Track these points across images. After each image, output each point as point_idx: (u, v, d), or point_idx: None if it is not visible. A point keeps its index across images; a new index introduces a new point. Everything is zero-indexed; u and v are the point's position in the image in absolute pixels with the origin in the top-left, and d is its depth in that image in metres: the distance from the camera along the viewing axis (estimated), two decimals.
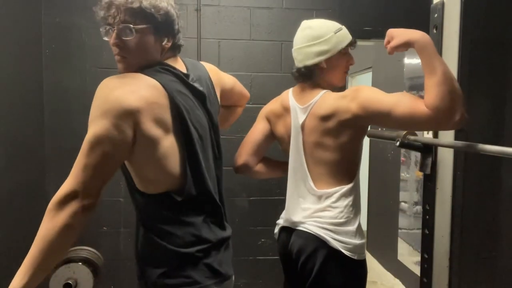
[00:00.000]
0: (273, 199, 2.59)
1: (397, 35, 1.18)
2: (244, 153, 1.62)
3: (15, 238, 2.09)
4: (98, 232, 2.47)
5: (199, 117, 1.16)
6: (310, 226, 1.38)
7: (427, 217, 1.48)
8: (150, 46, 1.09)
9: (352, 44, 1.48)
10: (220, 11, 2.54)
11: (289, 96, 1.51)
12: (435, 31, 1.42)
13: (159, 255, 1.09)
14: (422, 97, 1.16)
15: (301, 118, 1.43)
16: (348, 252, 1.34)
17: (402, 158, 3.26)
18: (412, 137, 1.46)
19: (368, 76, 4.09)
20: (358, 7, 2.59)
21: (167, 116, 1.05)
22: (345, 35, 1.46)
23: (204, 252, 1.11)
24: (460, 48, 1.33)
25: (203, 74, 1.26)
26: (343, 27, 1.47)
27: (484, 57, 1.39)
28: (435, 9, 1.42)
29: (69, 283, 2.18)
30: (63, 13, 2.40)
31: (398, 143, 1.47)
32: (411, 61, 3.03)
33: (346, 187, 1.39)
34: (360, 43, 2.68)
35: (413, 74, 3.02)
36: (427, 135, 1.52)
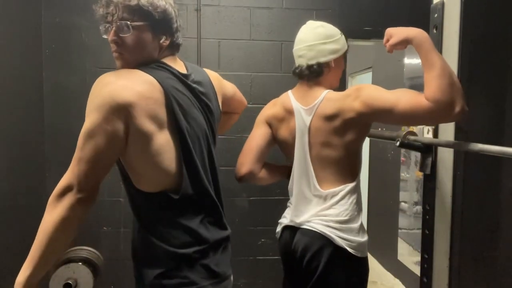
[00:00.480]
0: (273, 199, 2.59)
1: (395, 33, 1.23)
2: (248, 161, 1.54)
3: (15, 238, 2.09)
4: (98, 232, 2.47)
5: (196, 115, 1.16)
6: (316, 225, 1.39)
7: (427, 217, 1.48)
8: (147, 43, 1.10)
9: (348, 49, 1.57)
10: (220, 11, 2.54)
11: (290, 98, 1.51)
12: (435, 31, 1.42)
13: (156, 255, 1.09)
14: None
15: (307, 119, 1.43)
16: (352, 250, 1.35)
17: (402, 158, 3.26)
18: (412, 137, 1.46)
19: (368, 76, 4.09)
20: (358, 7, 2.59)
21: (162, 112, 1.06)
22: (345, 39, 1.53)
23: (201, 252, 1.11)
24: (460, 48, 1.33)
25: (206, 79, 1.27)
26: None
27: (484, 57, 1.39)
28: (435, 9, 1.42)
29: (69, 283, 2.18)
30: (63, 13, 2.40)
31: (398, 143, 1.47)
32: (411, 61, 3.03)
33: (350, 185, 1.41)
34: (360, 43, 2.71)
35: (413, 74, 3.02)
36: (427, 135, 1.52)
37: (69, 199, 0.98)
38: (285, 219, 1.54)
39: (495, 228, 1.44)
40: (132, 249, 1.17)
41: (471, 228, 1.41)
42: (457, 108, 1.12)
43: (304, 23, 1.55)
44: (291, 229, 1.48)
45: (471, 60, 1.34)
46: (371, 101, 1.29)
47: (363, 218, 1.48)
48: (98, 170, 1.01)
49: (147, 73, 1.06)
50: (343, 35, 1.50)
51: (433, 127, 1.48)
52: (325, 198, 1.42)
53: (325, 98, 1.41)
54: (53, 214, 0.98)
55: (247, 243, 2.60)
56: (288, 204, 1.59)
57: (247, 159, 1.55)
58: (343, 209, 1.39)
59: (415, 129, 1.61)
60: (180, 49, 1.23)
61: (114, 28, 1.07)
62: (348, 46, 1.53)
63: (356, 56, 3.85)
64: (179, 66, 1.18)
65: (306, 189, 1.46)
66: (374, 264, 3.76)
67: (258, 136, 1.59)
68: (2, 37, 2.00)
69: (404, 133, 1.49)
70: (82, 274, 2.24)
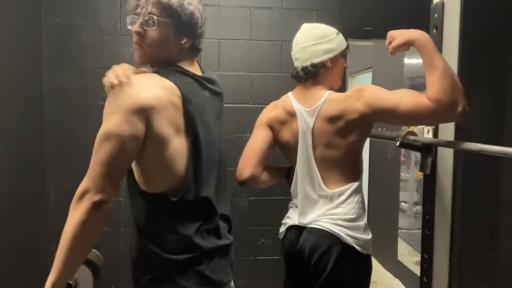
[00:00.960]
0: (273, 199, 2.58)
1: (398, 35, 1.25)
2: (250, 165, 1.52)
3: (15, 238, 2.09)
4: None
5: (211, 120, 1.16)
6: (324, 223, 1.40)
7: (427, 217, 1.48)
8: (169, 41, 1.11)
9: (348, 48, 1.56)
10: (220, 11, 2.54)
11: (291, 100, 1.51)
12: (435, 31, 1.42)
13: (150, 260, 1.09)
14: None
15: (310, 121, 1.44)
16: (359, 248, 1.37)
17: (402, 158, 3.26)
18: (412, 137, 1.47)
19: (368, 76, 4.09)
20: (358, 7, 2.59)
21: (179, 117, 1.06)
22: (343, 38, 1.52)
23: (195, 259, 1.09)
24: (460, 48, 1.33)
25: (218, 79, 1.29)
26: (340, 31, 1.54)
27: (484, 57, 1.39)
28: (435, 9, 1.42)
29: (69, 283, 2.18)
30: (63, 13, 2.40)
31: (398, 143, 1.48)
32: (411, 61, 3.03)
33: (355, 184, 1.43)
34: (360, 43, 2.71)
35: (413, 74, 3.02)
36: (427, 135, 1.52)
37: (87, 202, 0.96)
38: (290, 220, 1.53)
39: (495, 228, 1.44)
40: (129, 250, 1.16)
41: (471, 228, 1.41)
42: (459, 109, 1.14)
43: (304, 23, 1.55)
44: (297, 229, 1.48)
45: (471, 60, 1.34)
46: (374, 102, 1.30)
47: None
48: (116, 172, 1.00)
49: (165, 77, 1.06)
50: (340, 35, 1.51)
51: (433, 127, 1.48)
52: (331, 198, 1.43)
53: (327, 99, 1.42)
54: (73, 218, 0.97)
55: (247, 243, 2.60)
56: (290, 205, 1.59)
57: (249, 163, 1.52)
58: (350, 207, 1.40)
59: (415, 129, 1.61)
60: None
61: (140, 20, 1.09)
62: (347, 45, 1.54)
63: (356, 56, 3.84)
64: (196, 69, 1.19)
65: (310, 190, 1.46)
66: (374, 264, 3.73)
67: (259, 138, 1.57)
68: (2, 37, 1.99)
69: (404, 133, 1.49)
70: (82, 274, 2.24)
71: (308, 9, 2.56)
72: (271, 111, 1.58)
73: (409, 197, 3.21)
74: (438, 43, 1.39)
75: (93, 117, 2.43)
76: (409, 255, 3.20)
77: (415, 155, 2.97)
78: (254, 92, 2.56)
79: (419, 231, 1.59)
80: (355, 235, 1.38)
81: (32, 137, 2.32)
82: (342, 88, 1.58)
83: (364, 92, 1.34)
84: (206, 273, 1.10)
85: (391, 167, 3.46)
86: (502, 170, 1.43)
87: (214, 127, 1.17)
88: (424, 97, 1.18)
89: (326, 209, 1.42)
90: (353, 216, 1.40)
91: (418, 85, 2.86)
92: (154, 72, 1.11)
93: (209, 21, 2.54)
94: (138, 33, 1.10)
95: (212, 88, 1.19)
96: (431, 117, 1.20)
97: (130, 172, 1.11)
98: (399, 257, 3.33)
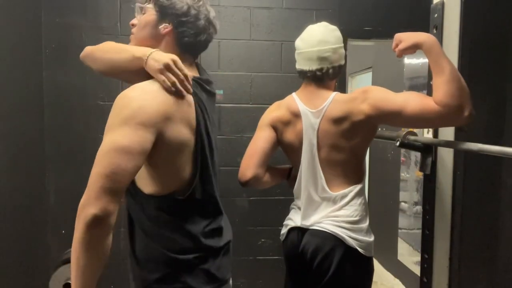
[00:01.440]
0: (273, 199, 2.58)
1: (405, 38, 1.25)
2: (253, 166, 1.49)
3: (15, 237, 2.09)
4: None
5: (212, 119, 1.17)
6: (326, 225, 1.39)
7: (427, 217, 1.48)
8: (149, 23, 1.13)
9: None
10: (220, 11, 2.54)
11: (296, 100, 1.49)
12: (435, 31, 1.42)
13: (156, 260, 1.08)
14: None
15: (315, 122, 1.43)
16: (362, 250, 1.37)
17: (402, 158, 3.26)
18: (412, 137, 1.46)
19: (368, 76, 4.08)
20: (358, 7, 2.59)
21: (193, 114, 1.06)
22: None
23: (202, 258, 1.10)
24: (460, 48, 1.33)
25: (213, 81, 1.28)
26: None
27: (484, 57, 1.39)
28: (435, 9, 1.42)
29: (69, 283, 2.18)
30: (63, 13, 2.40)
31: (398, 143, 1.47)
32: (411, 61, 3.03)
33: (358, 186, 1.43)
34: (360, 43, 2.71)
35: (413, 74, 3.02)
36: (427, 135, 1.52)
37: (86, 219, 0.90)
38: (291, 221, 1.52)
39: (495, 228, 1.44)
40: (130, 250, 1.15)
41: (471, 228, 1.41)
42: (466, 112, 1.14)
43: (304, 23, 1.54)
44: (299, 231, 1.47)
45: (471, 60, 1.34)
46: (380, 104, 1.30)
47: None
48: (120, 185, 0.94)
49: None
50: None
51: None
52: (334, 200, 1.42)
53: (333, 100, 1.41)
54: (76, 235, 0.92)
55: (247, 243, 2.60)
56: (292, 206, 1.58)
57: (252, 163, 1.49)
58: (353, 209, 1.40)
59: (415, 129, 1.61)
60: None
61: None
62: None
63: (356, 56, 3.84)
64: (194, 70, 1.18)
65: (313, 192, 1.46)
66: (374, 264, 3.75)
67: (262, 139, 1.53)
68: (2, 37, 1.99)
69: (404, 133, 1.49)
70: None
71: (308, 9, 2.56)
72: (275, 111, 1.56)
73: (409, 197, 3.21)
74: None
75: (93, 117, 2.43)
76: (409, 255, 3.20)
77: (415, 155, 2.97)
78: (254, 92, 2.56)
79: (419, 231, 1.59)
80: (357, 237, 1.37)
81: (32, 137, 2.32)
82: (342, 88, 1.58)
83: (370, 93, 1.33)
84: (212, 271, 1.11)
85: (391, 167, 3.46)
86: (502, 170, 1.42)
87: (213, 127, 1.17)
88: (431, 100, 1.18)
89: (329, 211, 1.41)
90: (356, 219, 1.39)
91: (418, 85, 2.86)
92: None
93: None
94: (132, 25, 1.16)
95: (209, 89, 1.18)
96: (438, 120, 1.20)
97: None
98: (399, 257, 3.33)
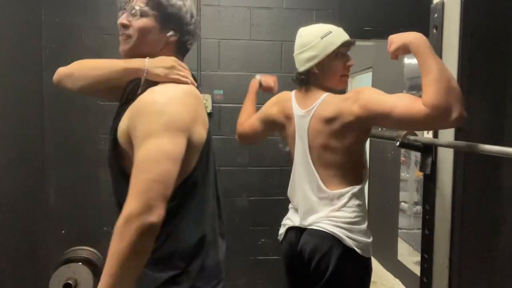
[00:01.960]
0: (273, 199, 2.58)
1: (395, 40, 1.23)
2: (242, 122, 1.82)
3: (15, 237, 2.09)
4: (98, 232, 2.47)
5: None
6: (325, 225, 1.39)
7: (427, 217, 1.48)
8: (152, 32, 1.10)
9: (345, 45, 1.47)
10: (220, 11, 2.54)
11: (292, 101, 1.52)
12: (435, 31, 1.42)
13: (166, 259, 1.05)
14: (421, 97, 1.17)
15: (306, 122, 1.44)
16: (360, 250, 1.36)
17: (402, 158, 3.26)
18: (412, 137, 1.46)
19: (368, 76, 4.09)
20: (358, 7, 2.59)
21: (206, 118, 1.08)
22: (333, 39, 1.44)
23: (210, 254, 1.10)
24: (460, 48, 1.33)
25: None
26: (334, 31, 1.46)
27: (484, 57, 1.39)
28: (435, 9, 1.42)
29: (69, 283, 2.18)
30: (63, 13, 2.40)
31: (398, 143, 1.47)
32: (411, 61, 3.03)
33: (357, 187, 1.41)
34: (360, 43, 2.71)
35: (413, 74, 3.02)
36: (427, 135, 1.52)
37: (140, 226, 0.88)
38: (289, 221, 1.53)
39: (495, 228, 1.44)
40: None
41: (471, 228, 1.41)
42: (454, 114, 1.09)
43: (304, 23, 1.54)
44: (297, 230, 1.47)
45: (471, 60, 1.34)
46: (369, 105, 1.27)
47: None
48: (169, 191, 0.94)
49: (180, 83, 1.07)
50: (328, 36, 1.44)
51: None
52: (331, 199, 1.41)
53: (323, 100, 1.41)
54: (123, 243, 0.89)
55: (247, 243, 2.60)
56: (290, 206, 1.59)
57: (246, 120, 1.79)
58: (351, 210, 1.40)
59: None
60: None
61: (126, 12, 1.09)
62: (344, 43, 1.46)
63: (356, 56, 3.84)
64: None
65: (310, 192, 1.45)
66: (374, 264, 3.73)
67: (262, 112, 1.71)
68: (2, 37, 1.99)
69: (404, 133, 1.48)
70: (82, 274, 2.23)
71: (308, 9, 2.56)
72: (272, 108, 1.64)
73: (409, 197, 3.21)
74: (438, 43, 1.39)
75: (93, 117, 2.43)
76: (409, 255, 3.20)
77: (415, 155, 2.97)
78: None
79: (419, 231, 1.59)
80: (356, 237, 1.37)
81: (32, 137, 2.32)
82: (342, 91, 1.57)
83: (361, 94, 1.31)
84: (217, 268, 1.12)
85: (391, 167, 3.46)
86: (502, 170, 1.42)
87: None
88: (420, 101, 1.15)
89: (327, 211, 1.41)
90: (354, 220, 1.39)
91: (418, 85, 2.86)
92: None
93: (209, 21, 2.54)
94: (123, 25, 1.10)
95: (198, 89, 1.20)
96: (426, 122, 1.15)
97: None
98: (399, 257, 3.34)
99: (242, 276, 2.60)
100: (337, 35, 1.46)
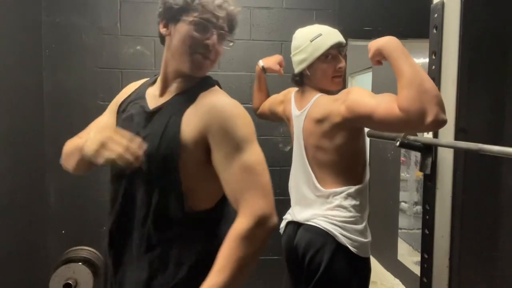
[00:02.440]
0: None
1: (371, 46, 1.25)
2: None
3: (15, 237, 2.09)
4: (98, 232, 2.47)
5: None
6: (320, 221, 1.40)
7: (427, 217, 1.48)
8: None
9: (336, 48, 1.45)
10: None
11: (292, 102, 1.58)
12: (435, 31, 1.42)
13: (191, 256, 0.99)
14: None
15: (301, 123, 1.48)
16: (354, 249, 1.37)
17: (402, 158, 3.26)
18: (412, 137, 1.46)
19: (368, 76, 4.08)
20: (358, 7, 2.59)
21: None
22: (322, 42, 1.44)
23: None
24: (460, 48, 1.32)
25: None
26: (325, 33, 1.45)
27: (484, 57, 1.39)
28: (435, 9, 1.42)
29: (69, 283, 2.18)
30: (63, 13, 2.40)
31: (398, 143, 1.47)
32: None
33: (354, 188, 1.42)
34: (360, 43, 2.71)
35: None
36: (427, 135, 1.52)
37: (270, 227, 0.92)
38: (289, 215, 1.57)
39: (495, 228, 1.44)
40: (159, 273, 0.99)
41: (471, 228, 1.41)
42: (429, 118, 1.06)
43: (304, 23, 1.56)
44: (295, 225, 1.50)
45: (471, 60, 1.34)
46: (354, 106, 1.27)
47: None
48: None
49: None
50: (317, 39, 1.43)
51: None
52: (327, 197, 1.42)
53: (315, 101, 1.44)
54: (254, 245, 0.89)
55: None
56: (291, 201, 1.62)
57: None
58: (347, 210, 1.40)
59: None
60: None
61: (215, 35, 1.03)
62: (334, 45, 1.44)
63: (356, 56, 3.84)
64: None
65: (306, 190, 1.47)
66: (374, 264, 3.75)
67: (272, 105, 1.82)
68: (2, 37, 1.99)
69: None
70: (82, 274, 2.23)
71: (308, 9, 2.56)
72: (279, 106, 1.75)
73: (409, 197, 3.21)
74: (438, 43, 1.39)
75: (93, 117, 2.42)
76: (409, 255, 3.20)
77: (415, 155, 2.97)
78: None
79: (419, 231, 1.59)
80: (350, 236, 1.37)
81: (32, 137, 2.32)
82: (343, 89, 1.57)
83: (349, 95, 1.31)
84: None
85: (391, 167, 3.46)
86: (502, 170, 1.42)
87: None
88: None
89: (323, 209, 1.42)
90: (349, 219, 1.39)
91: None
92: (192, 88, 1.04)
93: None
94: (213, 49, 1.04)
95: None
96: (401, 126, 1.14)
97: (180, 193, 0.98)
98: (399, 257, 3.33)
99: None
100: (327, 38, 1.44)
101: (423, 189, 1.54)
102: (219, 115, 0.95)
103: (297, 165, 1.52)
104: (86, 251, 2.36)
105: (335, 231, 1.37)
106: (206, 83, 1.06)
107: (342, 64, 1.48)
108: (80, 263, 2.26)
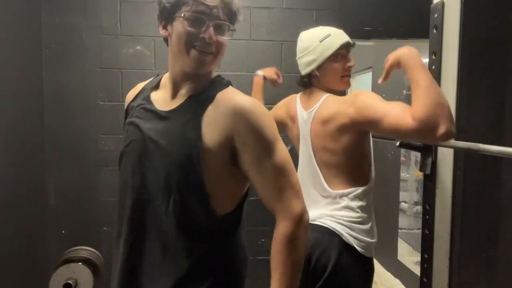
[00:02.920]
0: None
1: (390, 56, 1.28)
2: None
3: (15, 238, 2.09)
4: (98, 232, 2.47)
5: None
6: (326, 221, 1.41)
7: (427, 217, 1.48)
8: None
9: (345, 47, 1.48)
10: None
11: (297, 103, 1.57)
12: (435, 31, 1.42)
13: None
14: None
15: (308, 123, 1.47)
16: (360, 249, 1.38)
17: (402, 158, 3.26)
18: None
19: (368, 76, 4.08)
20: (358, 7, 2.59)
21: None
22: (332, 42, 1.45)
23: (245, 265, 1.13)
24: (460, 48, 1.33)
25: None
26: (333, 33, 1.47)
27: (484, 57, 1.39)
28: (435, 9, 1.42)
29: (69, 283, 2.18)
30: (63, 13, 2.40)
31: (398, 143, 1.48)
32: None
33: (360, 189, 1.42)
34: (360, 43, 2.70)
35: None
36: None
37: (307, 223, 0.99)
38: None
39: (495, 228, 1.44)
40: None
41: (471, 228, 1.41)
42: (441, 130, 1.08)
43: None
44: None
45: (471, 60, 1.34)
46: (364, 109, 1.28)
47: None
48: None
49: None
50: (326, 39, 1.44)
51: None
52: (334, 198, 1.43)
53: (323, 102, 1.44)
54: (304, 243, 0.97)
55: (247, 243, 2.60)
56: None
57: None
58: (354, 211, 1.41)
59: None
60: None
61: (211, 27, 1.00)
62: (343, 44, 1.46)
63: (356, 56, 3.84)
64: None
65: (313, 191, 1.48)
66: (374, 264, 3.75)
67: (272, 113, 1.73)
68: (2, 37, 1.99)
69: None
70: (82, 274, 2.23)
71: (308, 9, 2.56)
72: (280, 110, 1.72)
73: (409, 197, 3.21)
74: (438, 43, 1.39)
75: (93, 117, 2.43)
76: (409, 255, 3.20)
77: (415, 155, 2.97)
78: None
79: (419, 231, 1.59)
80: (357, 235, 1.38)
81: (32, 137, 2.32)
82: (343, 92, 1.58)
83: (358, 97, 1.32)
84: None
85: (391, 167, 3.46)
86: (502, 170, 1.42)
87: None
88: (410, 114, 1.14)
89: (330, 209, 1.42)
90: (356, 219, 1.40)
91: None
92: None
93: None
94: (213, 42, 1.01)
95: None
96: (412, 135, 1.15)
97: (207, 197, 0.95)
98: (399, 257, 3.34)
99: None
100: (336, 37, 1.47)
101: (423, 189, 1.54)
102: (247, 116, 0.92)
103: (304, 165, 1.51)
104: (86, 251, 2.36)
105: (342, 230, 1.37)
106: (220, 83, 1.03)
107: (351, 63, 1.51)
108: (80, 263, 2.26)
